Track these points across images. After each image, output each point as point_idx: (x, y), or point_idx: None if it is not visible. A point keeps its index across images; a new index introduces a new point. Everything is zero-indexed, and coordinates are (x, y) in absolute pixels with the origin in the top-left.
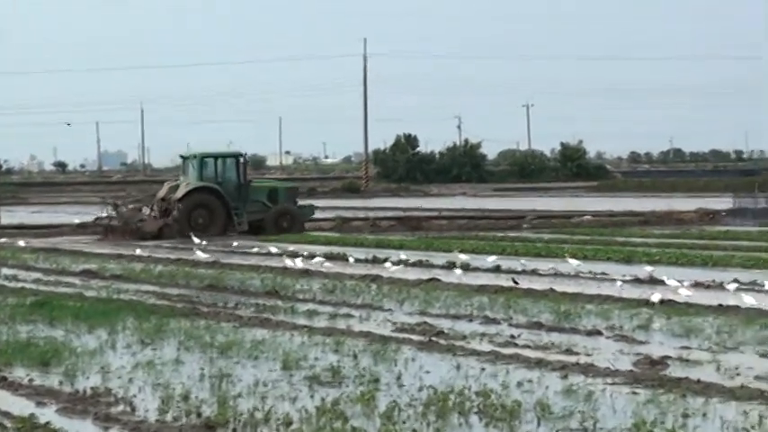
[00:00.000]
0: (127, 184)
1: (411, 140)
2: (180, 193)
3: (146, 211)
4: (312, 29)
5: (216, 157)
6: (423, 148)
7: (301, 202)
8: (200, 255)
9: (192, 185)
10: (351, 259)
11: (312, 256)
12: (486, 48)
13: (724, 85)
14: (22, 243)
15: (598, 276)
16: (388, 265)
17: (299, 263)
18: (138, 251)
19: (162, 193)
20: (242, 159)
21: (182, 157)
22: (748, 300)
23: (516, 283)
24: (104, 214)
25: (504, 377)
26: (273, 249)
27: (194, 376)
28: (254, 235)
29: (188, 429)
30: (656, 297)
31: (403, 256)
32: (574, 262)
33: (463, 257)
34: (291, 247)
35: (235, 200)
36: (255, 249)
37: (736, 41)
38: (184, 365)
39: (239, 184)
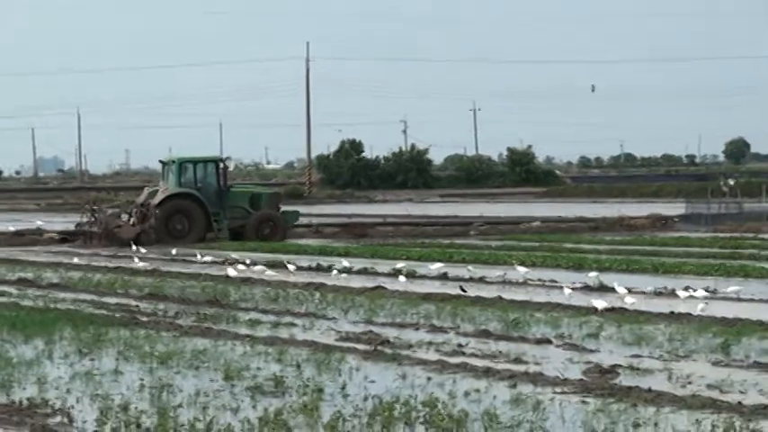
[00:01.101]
0: (64, 191)
1: (355, 145)
2: (157, 198)
3: (124, 217)
4: (254, 31)
5: (195, 162)
6: (367, 153)
7: (285, 208)
8: (139, 263)
9: (171, 191)
10: (291, 267)
11: (254, 264)
12: (432, 50)
13: (676, 88)
14: None
15: (547, 284)
16: (333, 273)
17: (237, 271)
18: (75, 259)
19: (141, 198)
20: (222, 164)
21: (161, 162)
22: (700, 307)
23: (464, 291)
24: (84, 220)
25: (452, 387)
26: (208, 258)
27: (134, 387)
28: (235, 242)
29: None
30: (600, 304)
31: (345, 263)
32: (522, 269)
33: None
34: (234, 255)
35: (215, 206)
36: (199, 257)
37: (688, 43)
38: (123, 376)
39: (219, 189)
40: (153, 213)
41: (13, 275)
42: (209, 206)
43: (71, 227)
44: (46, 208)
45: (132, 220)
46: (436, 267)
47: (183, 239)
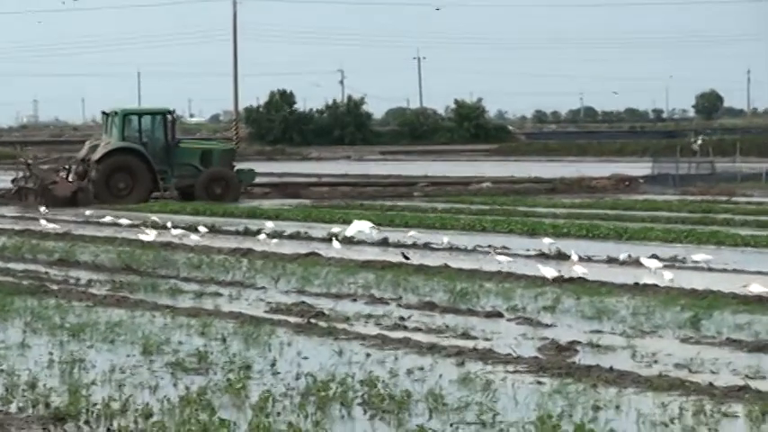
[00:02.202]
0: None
1: (287, 97)
2: (98, 153)
3: (62, 173)
4: None
5: (140, 114)
6: (301, 105)
7: (240, 166)
8: (46, 224)
9: (113, 145)
10: (201, 228)
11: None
12: None
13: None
14: None
15: (498, 251)
16: (261, 237)
17: (152, 235)
18: None
19: (82, 153)
20: (170, 117)
21: (103, 113)
22: (668, 276)
23: (407, 258)
24: (20, 175)
25: (393, 364)
26: (125, 221)
27: (42, 362)
28: (184, 202)
29: (35, 421)
30: (548, 273)
31: (270, 225)
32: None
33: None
34: (154, 217)
35: (161, 162)
36: (108, 219)
37: None
38: (31, 350)
39: (167, 144)
40: (93, 170)
41: None
42: (156, 163)
43: None
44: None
45: (71, 176)
46: (356, 227)
47: (125, 199)
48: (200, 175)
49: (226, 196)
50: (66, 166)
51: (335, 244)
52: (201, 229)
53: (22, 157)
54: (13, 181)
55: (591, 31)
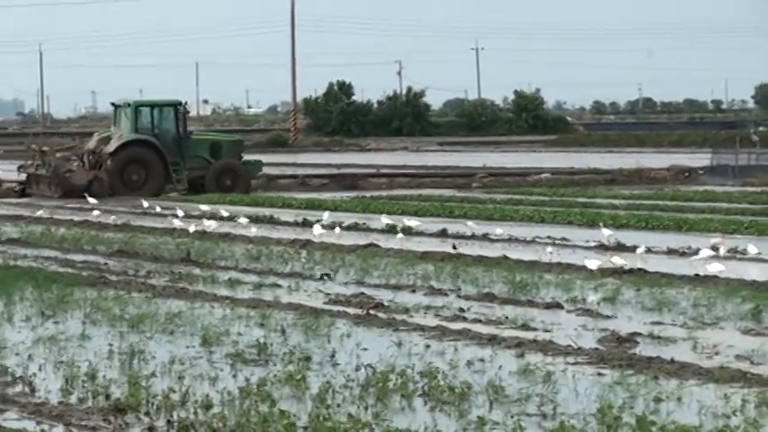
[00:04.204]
0: (25, 136)
1: (345, 88)
2: (112, 146)
3: (75, 162)
4: None
5: (152, 106)
6: (359, 96)
7: (247, 158)
8: (99, 216)
9: (126, 138)
10: (243, 220)
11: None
12: None
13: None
14: None
15: (558, 242)
16: (316, 228)
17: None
18: (39, 212)
19: (91, 144)
20: (181, 109)
21: (113, 105)
22: (715, 268)
23: (456, 248)
24: (30, 162)
25: (452, 355)
26: (180, 213)
27: (102, 353)
28: (194, 194)
29: (95, 412)
30: (592, 264)
31: (326, 215)
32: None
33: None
34: (206, 208)
35: (173, 154)
36: (158, 209)
37: None
38: (91, 341)
39: (178, 136)
40: (106, 162)
41: None
42: (168, 155)
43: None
44: (4, 155)
45: (84, 165)
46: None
47: (138, 191)
48: (209, 167)
49: (235, 187)
50: (76, 157)
51: (399, 235)
52: (242, 220)
53: (34, 145)
54: (20, 168)
55: (650, 21)
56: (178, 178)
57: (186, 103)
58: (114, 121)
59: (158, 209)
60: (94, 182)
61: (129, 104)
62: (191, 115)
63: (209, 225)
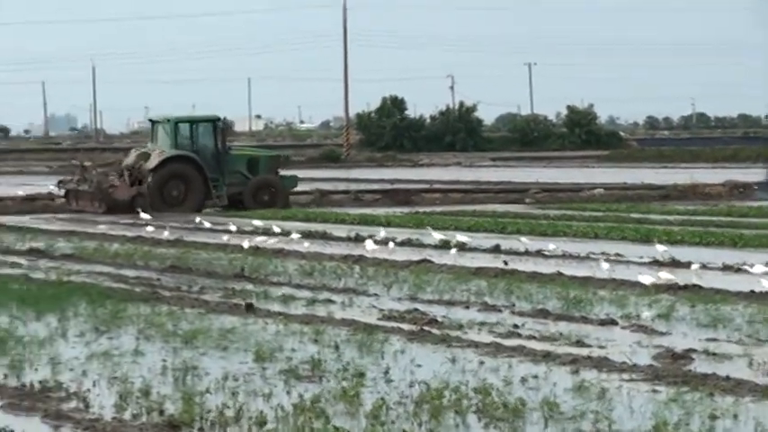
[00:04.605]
0: (77, 151)
1: (398, 103)
2: (153, 162)
3: (113, 178)
4: None
5: (191, 121)
6: (411, 111)
7: (283, 173)
8: (153, 231)
9: (167, 154)
10: (295, 235)
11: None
12: None
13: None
14: None
15: (612, 258)
16: (368, 243)
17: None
18: (101, 227)
19: (129, 160)
20: (220, 124)
21: (151, 121)
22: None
23: (506, 264)
24: (70, 177)
25: (507, 372)
26: (233, 228)
27: (155, 369)
28: (233, 209)
29: (149, 428)
30: (646, 280)
31: (383, 233)
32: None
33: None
34: (259, 223)
35: (213, 170)
36: (222, 227)
37: None
38: (144, 356)
39: (217, 152)
40: (148, 178)
41: (23, 245)
42: (207, 170)
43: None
44: (58, 170)
45: (124, 181)
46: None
47: (178, 207)
48: (247, 183)
49: (273, 203)
50: (116, 173)
51: (452, 251)
52: (294, 235)
53: (76, 160)
54: (59, 183)
55: (703, 36)
56: (218, 194)
57: (225, 118)
58: (152, 137)
59: (207, 224)
60: (137, 197)
61: (168, 120)
62: (243, 130)
63: (263, 240)
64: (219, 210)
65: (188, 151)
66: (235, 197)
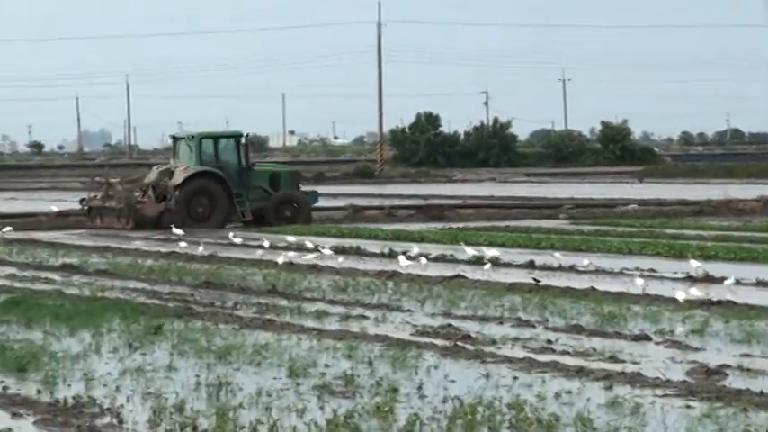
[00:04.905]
0: (111, 167)
1: (432, 119)
2: (179, 178)
3: (138, 195)
4: None
5: (216, 137)
6: (445, 127)
7: (303, 188)
8: (186, 246)
9: (193, 170)
10: (325, 251)
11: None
12: (515, 14)
13: None
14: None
15: (645, 274)
16: (402, 259)
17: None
18: (137, 243)
19: (151, 177)
20: (243, 140)
21: (173, 137)
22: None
23: (537, 281)
24: (92, 194)
25: (540, 387)
26: (266, 243)
27: (189, 384)
28: (254, 225)
29: None
30: (680, 295)
31: (416, 249)
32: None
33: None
34: (292, 239)
35: (236, 186)
36: (256, 242)
37: None
38: (178, 372)
39: (240, 168)
40: (173, 194)
41: (56, 261)
42: (231, 186)
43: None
44: (92, 186)
45: (148, 197)
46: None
47: (203, 223)
48: (269, 198)
49: (296, 219)
50: (143, 189)
51: (486, 266)
52: (325, 251)
53: (100, 177)
54: (81, 200)
55: (737, 51)
56: (242, 210)
57: (249, 134)
58: (174, 153)
59: (238, 240)
60: (165, 214)
61: (192, 137)
62: (277, 146)
63: (296, 256)
64: (240, 225)
65: (213, 167)
66: (257, 212)
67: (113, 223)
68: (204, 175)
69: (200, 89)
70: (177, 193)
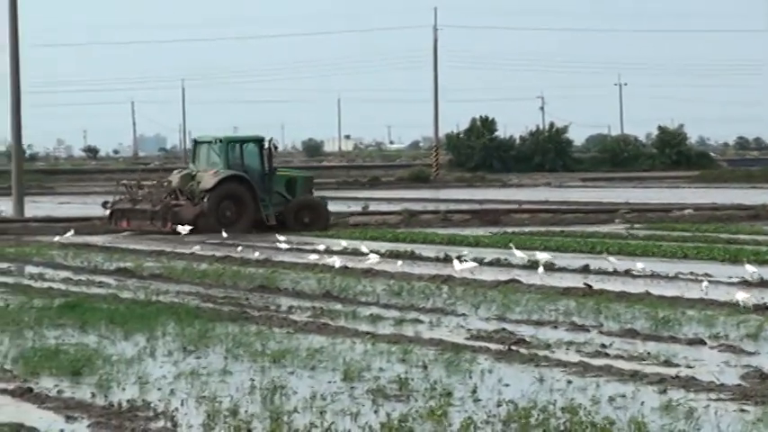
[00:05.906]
0: (167, 171)
1: (488, 124)
2: (210, 182)
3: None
4: None
5: (241, 141)
6: (501, 132)
7: (315, 194)
8: (240, 250)
9: (223, 174)
10: (372, 257)
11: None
12: (572, 19)
13: None
14: (57, 238)
15: (701, 278)
16: (455, 263)
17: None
18: (196, 248)
19: (175, 182)
20: (266, 144)
21: (194, 141)
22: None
23: (589, 286)
24: (119, 197)
25: (594, 391)
26: (321, 247)
27: (244, 388)
28: (273, 230)
29: None
30: (741, 296)
31: (466, 252)
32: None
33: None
34: (344, 243)
35: (261, 190)
36: (284, 247)
37: None
38: (232, 376)
39: (263, 172)
40: (204, 198)
41: (111, 265)
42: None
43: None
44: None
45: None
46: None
47: (231, 227)
48: (287, 203)
49: (314, 224)
50: (169, 194)
51: (540, 270)
52: (372, 257)
53: (125, 180)
54: (104, 203)
55: None
56: (266, 214)
57: (273, 139)
58: (194, 157)
59: (284, 246)
60: (201, 216)
61: (220, 141)
62: (333, 150)
63: (333, 261)
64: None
65: (239, 171)
66: (276, 217)
67: (144, 226)
68: (233, 179)
69: (256, 94)
70: (208, 196)
